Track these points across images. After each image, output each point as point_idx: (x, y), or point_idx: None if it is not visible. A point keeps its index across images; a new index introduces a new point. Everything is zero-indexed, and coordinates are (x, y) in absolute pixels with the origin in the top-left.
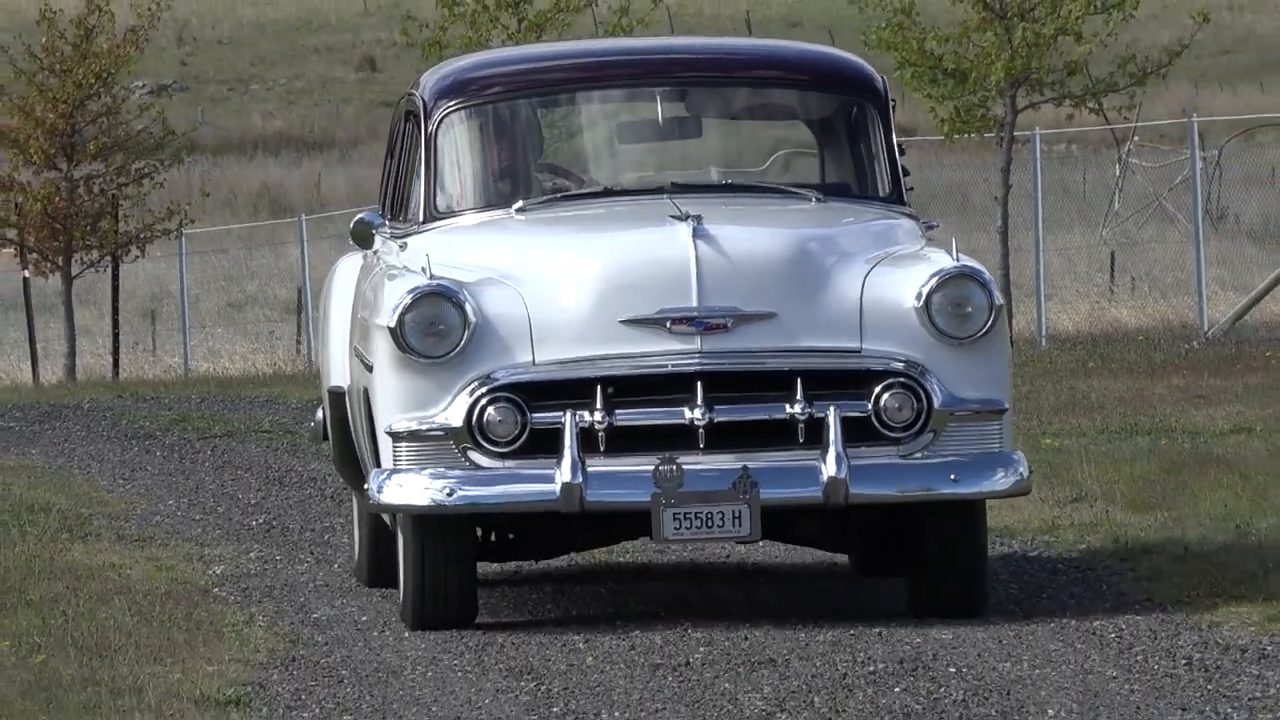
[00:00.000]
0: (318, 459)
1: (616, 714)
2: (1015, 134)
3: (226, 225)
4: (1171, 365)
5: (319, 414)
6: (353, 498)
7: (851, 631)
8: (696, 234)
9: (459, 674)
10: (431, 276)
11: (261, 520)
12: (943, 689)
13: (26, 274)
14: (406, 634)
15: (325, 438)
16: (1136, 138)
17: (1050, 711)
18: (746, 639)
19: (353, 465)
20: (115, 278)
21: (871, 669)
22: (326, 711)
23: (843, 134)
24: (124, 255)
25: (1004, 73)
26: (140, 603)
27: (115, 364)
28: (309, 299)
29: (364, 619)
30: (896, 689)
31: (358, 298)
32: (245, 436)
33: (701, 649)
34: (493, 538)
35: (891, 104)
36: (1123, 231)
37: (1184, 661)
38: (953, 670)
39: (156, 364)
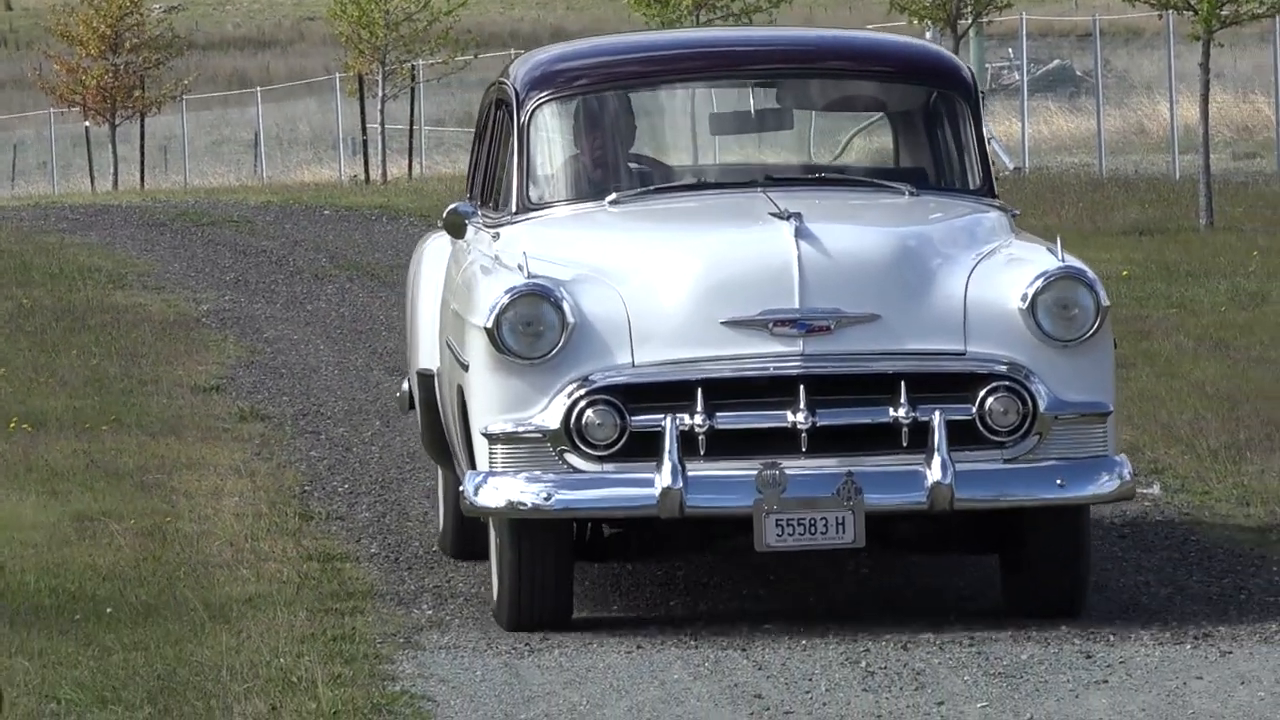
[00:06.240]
0: (268, 238)
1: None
2: None
3: (210, 94)
4: None
5: (404, 385)
6: (438, 473)
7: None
8: (799, 234)
9: (354, 372)
10: (529, 275)
11: (232, 276)
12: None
13: (87, 124)
14: (322, 345)
15: (411, 408)
16: None
17: None
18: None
19: (440, 445)
20: (142, 126)
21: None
22: (271, 395)
23: (934, 126)
24: (148, 112)
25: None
26: (157, 327)
27: (141, 180)
28: (262, 140)
29: (295, 337)
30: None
31: (448, 284)
32: (222, 225)
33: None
34: (587, 536)
35: (981, 95)
36: None
37: None
38: None
39: (167, 180)
